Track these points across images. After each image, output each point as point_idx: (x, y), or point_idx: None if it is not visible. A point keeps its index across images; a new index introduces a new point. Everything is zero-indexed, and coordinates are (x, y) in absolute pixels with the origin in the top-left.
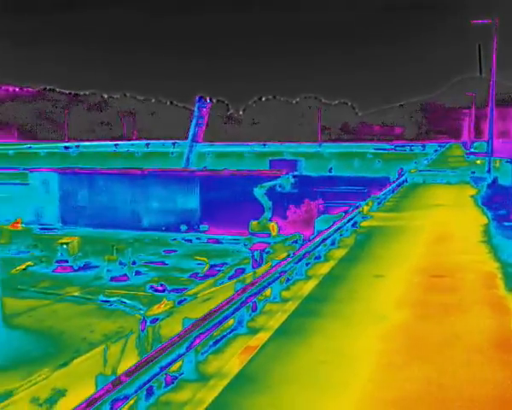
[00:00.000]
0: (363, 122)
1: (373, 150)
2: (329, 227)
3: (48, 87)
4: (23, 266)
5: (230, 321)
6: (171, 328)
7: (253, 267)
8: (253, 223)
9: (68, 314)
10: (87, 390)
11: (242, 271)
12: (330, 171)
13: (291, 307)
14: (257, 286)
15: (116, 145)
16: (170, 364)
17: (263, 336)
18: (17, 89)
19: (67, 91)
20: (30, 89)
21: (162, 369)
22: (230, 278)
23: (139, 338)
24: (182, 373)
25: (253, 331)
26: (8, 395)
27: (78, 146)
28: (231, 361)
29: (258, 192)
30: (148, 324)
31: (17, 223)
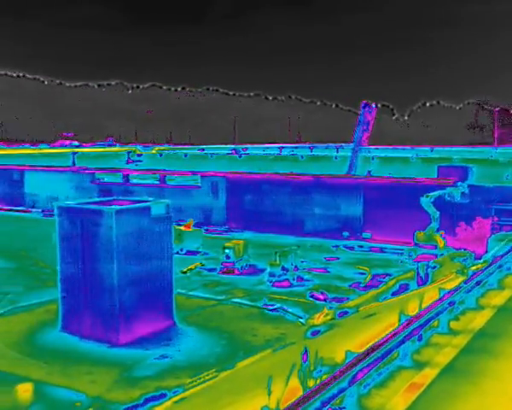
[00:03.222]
0: None
1: None
2: (508, 251)
3: (211, 88)
4: (193, 266)
5: (395, 353)
6: (333, 344)
7: (418, 284)
8: (419, 234)
9: (233, 316)
10: (251, 398)
11: (406, 287)
12: (507, 179)
13: (461, 341)
14: (423, 318)
15: (280, 149)
16: (331, 399)
17: (429, 373)
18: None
19: (225, 90)
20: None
21: (324, 404)
22: (394, 294)
23: (300, 351)
24: (343, 407)
25: (419, 366)
26: (180, 390)
27: (245, 149)
28: (395, 399)
29: (425, 201)
30: (308, 335)
31: (189, 224)
